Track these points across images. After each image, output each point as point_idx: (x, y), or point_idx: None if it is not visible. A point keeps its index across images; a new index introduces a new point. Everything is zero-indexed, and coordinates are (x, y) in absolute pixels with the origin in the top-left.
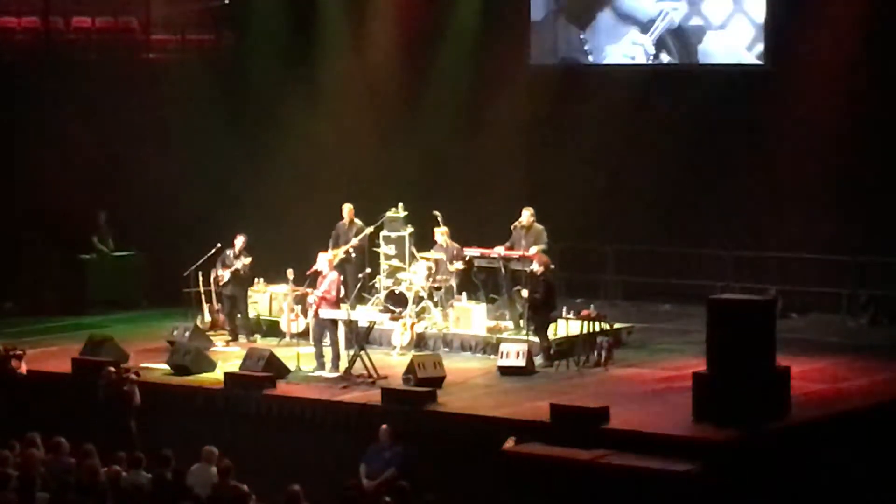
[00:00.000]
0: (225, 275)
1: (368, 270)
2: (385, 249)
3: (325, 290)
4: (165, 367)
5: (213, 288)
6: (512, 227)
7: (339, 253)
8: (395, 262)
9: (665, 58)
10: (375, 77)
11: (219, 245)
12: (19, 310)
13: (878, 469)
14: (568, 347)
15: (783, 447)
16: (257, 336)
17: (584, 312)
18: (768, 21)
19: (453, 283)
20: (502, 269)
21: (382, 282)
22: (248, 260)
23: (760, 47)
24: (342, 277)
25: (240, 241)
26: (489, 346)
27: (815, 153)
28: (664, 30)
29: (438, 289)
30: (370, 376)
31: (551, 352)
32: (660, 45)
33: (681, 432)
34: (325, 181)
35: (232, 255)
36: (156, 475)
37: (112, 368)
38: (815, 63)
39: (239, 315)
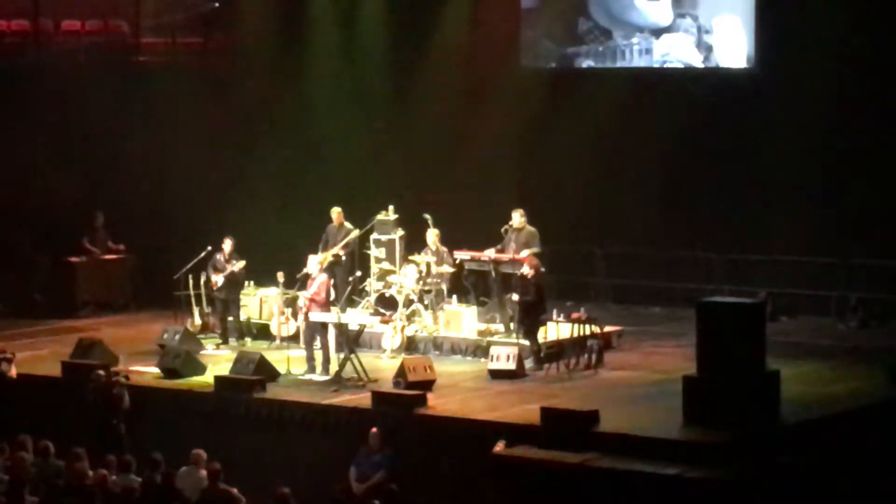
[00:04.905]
0: (219, 279)
1: (359, 273)
2: (375, 252)
3: (315, 292)
4: (155, 370)
5: (203, 291)
6: (503, 230)
7: (329, 256)
8: (386, 265)
9: (654, 62)
10: (365, 79)
11: (209, 248)
12: (9, 312)
13: (868, 472)
14: (558, 350)
15: (773, 450)
16: (247, 339)
17: (575, 315)
18: (757, 25)
19: (444, 286)
20: (492, 272)
21: (373, 285)
22: (242, 263)
23: (750, 51)
24: (332, 280)
25: (228, 244)
26: (479, 350)
27: (805, 156)
28: (654, 35)
29: (429, 292)
30: (360, 379)
31: (541, 355)
32: (649, 49)
33: (671, 435)
34: (315, 184)
35: (222, 258)
36: (145, 478)
37: (101, 371)
38: (804, 66)
39: (230, 318)
